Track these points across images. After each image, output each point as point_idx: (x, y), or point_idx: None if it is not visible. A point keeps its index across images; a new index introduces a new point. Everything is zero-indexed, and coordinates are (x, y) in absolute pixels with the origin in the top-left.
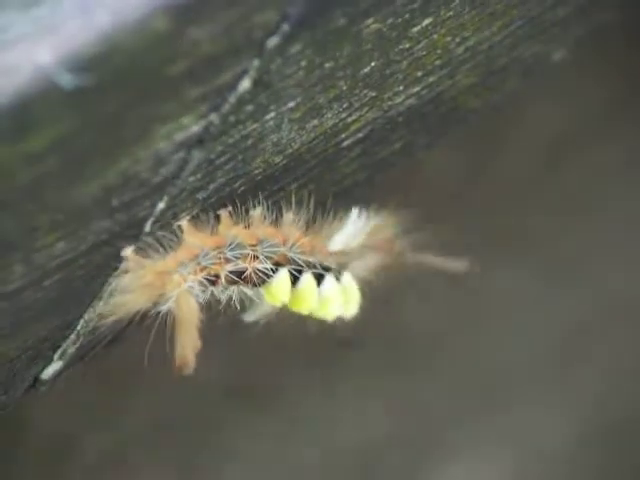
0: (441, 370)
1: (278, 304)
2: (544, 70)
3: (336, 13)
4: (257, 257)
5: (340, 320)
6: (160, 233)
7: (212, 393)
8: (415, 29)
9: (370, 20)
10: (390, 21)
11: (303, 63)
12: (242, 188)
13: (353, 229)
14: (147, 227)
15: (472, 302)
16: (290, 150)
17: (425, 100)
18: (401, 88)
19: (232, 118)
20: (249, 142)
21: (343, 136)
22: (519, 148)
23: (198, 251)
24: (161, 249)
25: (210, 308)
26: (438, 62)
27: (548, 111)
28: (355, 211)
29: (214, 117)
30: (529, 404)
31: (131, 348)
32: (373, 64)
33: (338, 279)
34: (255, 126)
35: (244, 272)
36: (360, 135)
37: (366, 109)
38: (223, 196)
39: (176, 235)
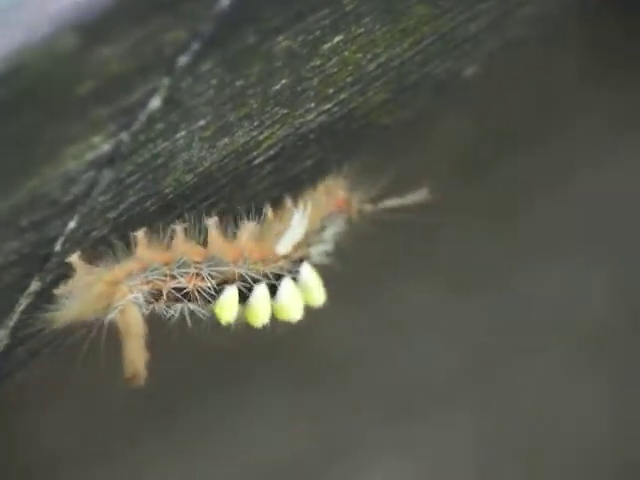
0: (356, 384)
1: (226, 323)
2: (456, 85)
3: (246, 31)
4: (201, 275)
5: (257, 334)
6: (114, 241)
7: (129, 406)
8: (326, 46)
9: (280, 38)
10: (301, 38)
11: (214, 81)
12: (153, 207)
13: (297, 226)
14: (57, 247)
15: (388, 315)
16: (201, 168)
17: (337, 117)
18: (312, 105)
19: (142, 137)
20: (160, 161)
21: (254, 154)
22: (430, 162)
23: (147, 264)
24: (111, 257)
25: (161, 323)
26: (349, 79)
27: (459, 125)
28: (296, 211)
29: (124, 136)
30: (443, 417)
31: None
32: (284, 81)
33: (295, 279)
34: (166, 145)
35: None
36: (271, 153)
37: (277, 126)
38: (134, 215)
39: (129, 245)
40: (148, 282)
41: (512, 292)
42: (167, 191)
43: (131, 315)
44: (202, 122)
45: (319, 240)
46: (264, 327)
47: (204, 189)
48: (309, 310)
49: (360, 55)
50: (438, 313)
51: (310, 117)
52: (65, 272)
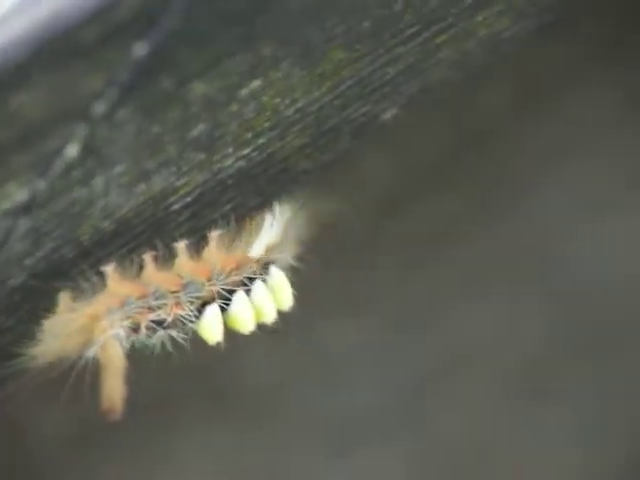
0: (285, 419)
1: (214, 343)
2: (375, 127)
3: (163, 78)
4: (179, 304)
5: (175, 373)
6: (92, 276)
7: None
8: (243, 91)
9: (197, 83)
10: (218, 84)
11: (130, 128)
12: (71, 254)
13: (270, 231)
14: None
15: (321, 349)
16: (118, 215)
17: (255, 162)
18: (230, 150)
19: (59, 184)
20: (77, 208)
21: (172, 200)
22: (355, 200)
23: (124, 298)
24: (91, 292)
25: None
26: (267, 124)
27: (380, 165)
28: (269, 217)
29: (41, 184)
30: (374, 452)
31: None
32: (201, 127)
33: (265, 281)
34: (82, 191)
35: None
36: (189, 199)
37: (195, 172)
38: (52, 262)
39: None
40: (127, 317)
41: (444, 327)
42: (84, 238)
43: (112, 351)
44: (119, 168)
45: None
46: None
47: (122, 235)
48: (235, 339)
49: (278, 100)
50: (369, 348)
51: (228, 162)
52: None
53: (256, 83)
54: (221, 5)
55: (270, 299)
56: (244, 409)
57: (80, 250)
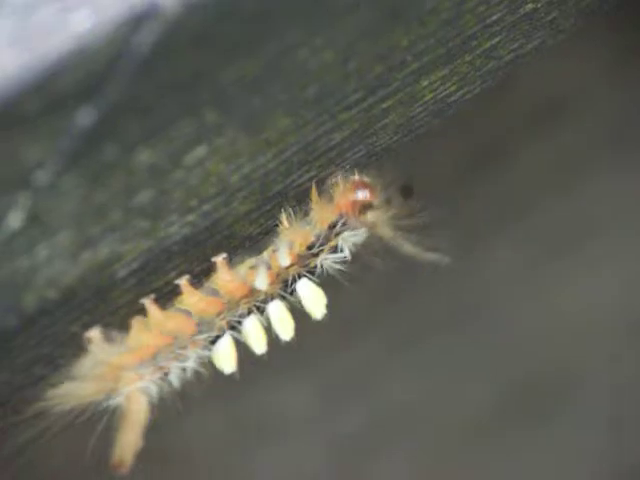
0: None
1: (230, 371)
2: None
3: (107, 145)
4: (197, 343)
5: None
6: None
7: None
8: (188, 158)
9: (142, 150)
10: (163, 151)
11: (75, 195)
12: (15, 323)
13: (288, 235)
14: None
15: (249, 421)
16: (63, 283)
17: (200, 228)
18: (175, 217)
19: (1, 253)
20: (20, 277)
21: (117, 267)
22: None
23: (154, 350)
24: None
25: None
26: (213, 190)
27: None
28: (282, 220)
29: None
30: None
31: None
32: (147, 194)
33: (286, 299)
34: (26, 260)
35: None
36: (134, 266)
37: (140, 239)
38: None
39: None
40: (159, 368)
41: (380, 387)
42: (29, 306)
43: (137, 403)
44: (63, 236)
45: (329, 248)
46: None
47: (66, 303)
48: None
49: (223, 166)
50: (301, 414)
51: (173, 229)
52: None
53: (201, 150)
54: (165, 73)
55: (289, 318)
56: (187, 470)
57: (25, 319)
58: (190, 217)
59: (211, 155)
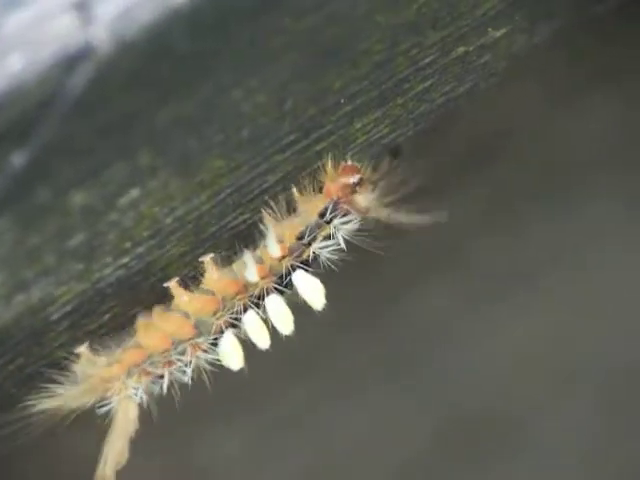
0: None
1: (238, 368)
2: (256, 233)
3: (41, 187)
4: (197, 346)
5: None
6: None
7: None
8: (122, 200)
9: (76, 193)
10: (96, 193)
11: (8, 239)
12: None
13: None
14: None
15: (196, 462)
16: None
17: (134, 271)
18: (110, 260)
19: None
20: None
21: (51, 309)
22: None
23: (144, 357)
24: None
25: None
26: (146, 233)
27: None
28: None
29: None
30: None
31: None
32: (80, 237)
33: (282, 292)
34: None
35: None
36: (68, 308)
37: (74, 282)
38: None
39: (129, 334)
40: (147, 373)
41: (322, 427)
42: None
43: (124, 412)
44: None
45: (320, 236)
46: None
47: (0, 345)
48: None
49: (157, 209)
50: (245, 459)
51: (107, 271)
52: None
53: (134, 192)
54: (99, 116)
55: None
56: None
57: None
58: (124, 259)
59: (145, 198)
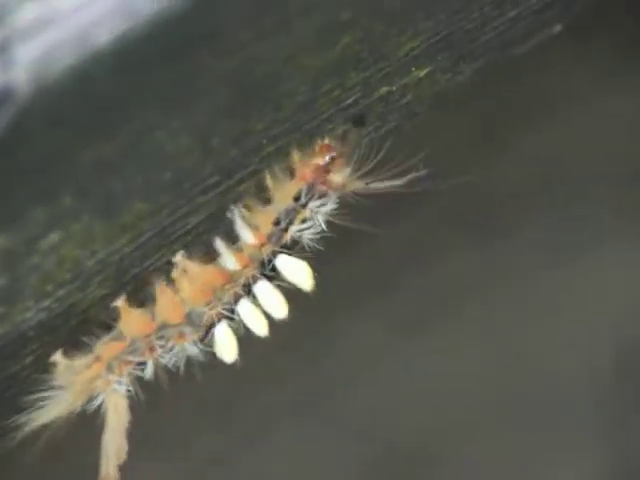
0: None
1: (233, 360)
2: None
3: None
4: (184, 335)
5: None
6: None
7: None
8: (43, 243)
9: None
10: (17, 236)
11: None
12: None
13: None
14: None
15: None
16: None
17: (56, 313)
18: (31, 303)
19: None
20: None
21: None
22: None
23: (122, 348)
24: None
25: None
26: (68, 275)
27: None
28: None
29: None
30: None
31: None
32: (1, 280)
33: (270, 278)
34: None
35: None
36: None
37: None
38: None
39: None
40: (127, 362)
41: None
42: None
43: (114, 407)
44: None
45: (299, 219)
46: None
47: None
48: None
49: (78, 251)
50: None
51: (29, 314)
52: None
53: (56, 235)
54: (19, 156)
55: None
56: None
57: None
58: (45, 302)
59: (66, 240)
